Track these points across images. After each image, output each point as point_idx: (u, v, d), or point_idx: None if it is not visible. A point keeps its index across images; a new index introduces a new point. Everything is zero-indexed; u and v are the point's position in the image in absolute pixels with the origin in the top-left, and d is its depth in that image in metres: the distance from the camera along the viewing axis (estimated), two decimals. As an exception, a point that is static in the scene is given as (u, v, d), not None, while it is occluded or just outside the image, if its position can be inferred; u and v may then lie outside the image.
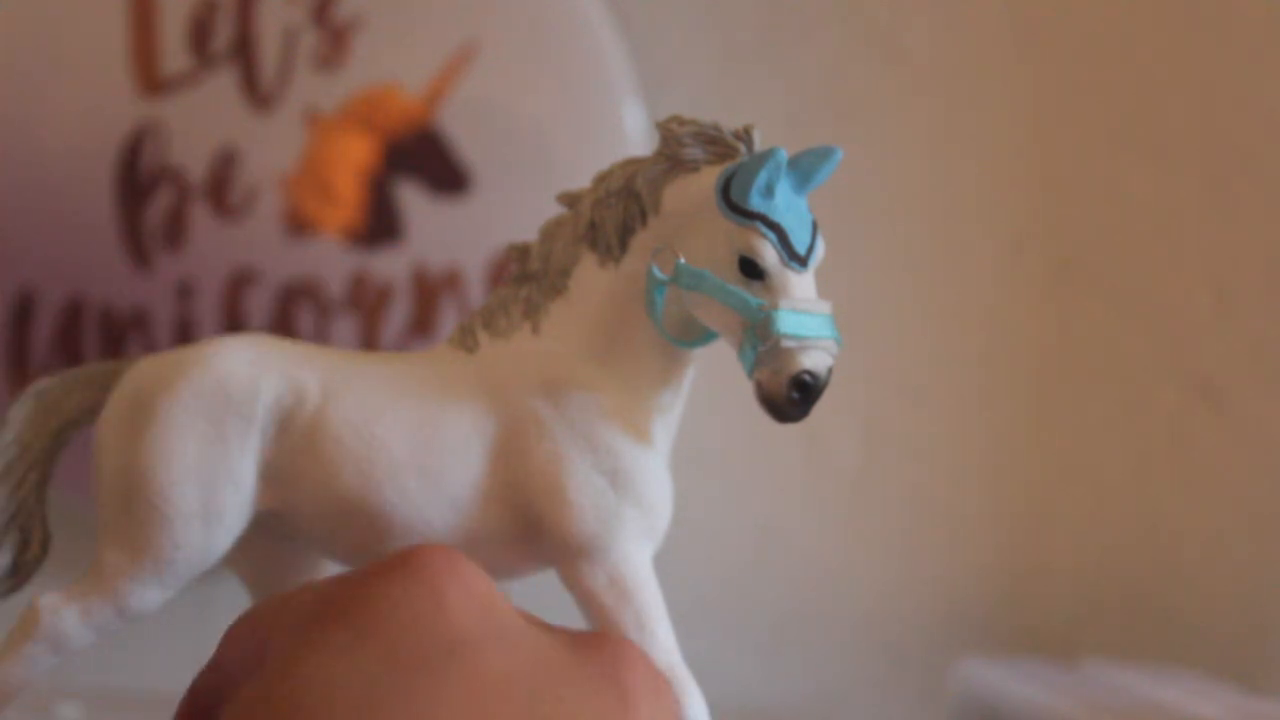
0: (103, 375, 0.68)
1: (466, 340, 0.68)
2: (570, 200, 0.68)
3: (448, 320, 0.98)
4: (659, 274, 0.65)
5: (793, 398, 0.62)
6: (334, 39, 0.99)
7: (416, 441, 0.66)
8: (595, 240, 0.67)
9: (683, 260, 0.64)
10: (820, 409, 0.64)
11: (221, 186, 0.98)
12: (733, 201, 0.63)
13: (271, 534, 0.68)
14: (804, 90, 1.06)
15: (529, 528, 0.66)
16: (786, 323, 0.62)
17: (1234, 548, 1.07)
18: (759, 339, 0.62)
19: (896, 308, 1.07)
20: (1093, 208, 1.08)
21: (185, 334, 0.97)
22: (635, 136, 0.99)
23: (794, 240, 0.63)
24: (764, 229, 0.63)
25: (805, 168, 0.64)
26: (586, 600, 0.66)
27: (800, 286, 0.63)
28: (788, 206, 0.64)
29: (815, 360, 0.62)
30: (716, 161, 0.65)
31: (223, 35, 0.99)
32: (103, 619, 0.65)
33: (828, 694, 1.07)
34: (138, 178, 0.99)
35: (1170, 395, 1.07)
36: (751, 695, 1.06)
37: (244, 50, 0.99)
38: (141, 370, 0.67)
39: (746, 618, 1.07)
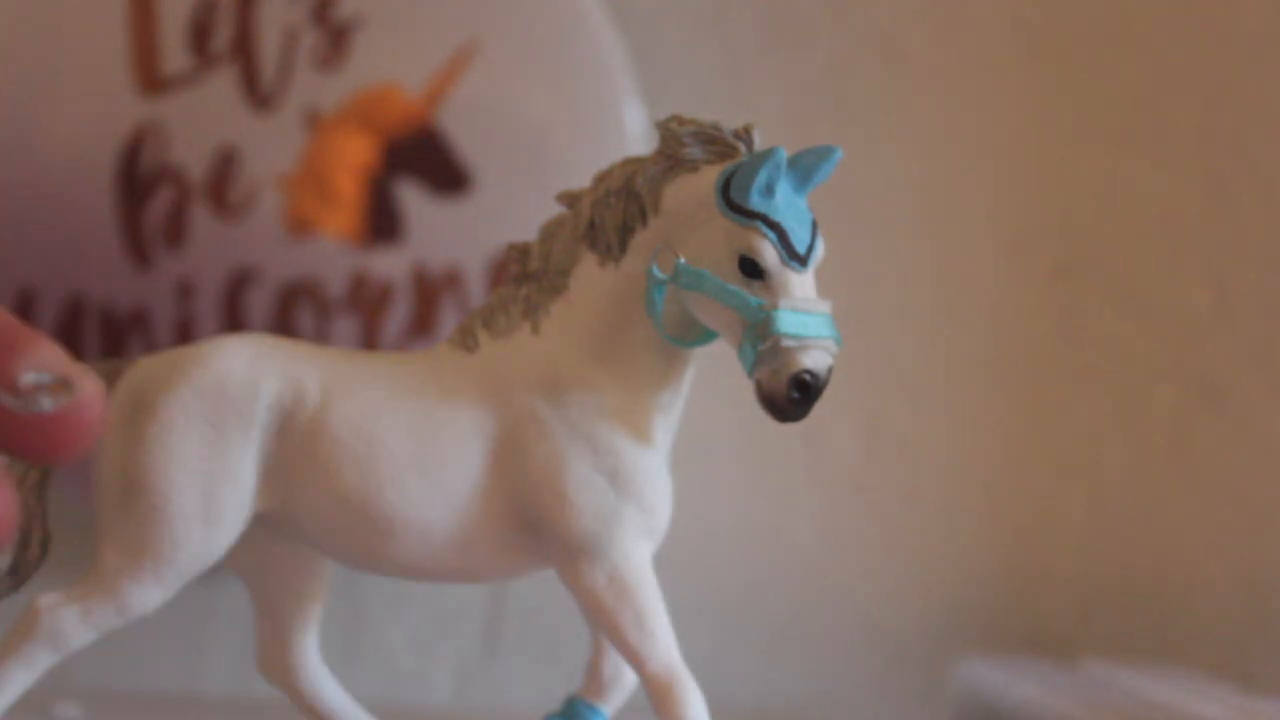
0: (102, 375, 0.68)
1: (466, 340, 0.68)
2: (570, 200, 0.68)
3: (448, 320, 0.98)
4: (659, 273, 0.65)
5: (793, 397, 0.62)
6: (334, 39, 0.99)
7: (416, 441, 0.66)
8: (595, 240, 0.67)
9: (682, 260, 0.64)
10: (820, 409, 0.64)
11: (221, 186, 0.98)
12: (733, 201, 0.63)
13: (272, 534, 0.68)
14: (804, 90, 1.06)
15: (529, 527, 0.66)
16: (786, 322, 0.62)
17: (1234, 548, 1.07)
18: (759, 338, 0.62)
19: (897, 308, 1.07)
20: (1093, 208, 1.08)
21: (185, 334, 0.97)
22: (635, 136, 0.99)
23: (794, 239, 0.63)
24: (764, 228, 0.63)
25: (805, 167, 0.64)
26: (586, 600, 0.66)
27: (800, 286, 0.63)
28: (788, 206, 0.64)
29: (815, 360, 0.62)
30: (716, 161, 0.65)
31: (223, 35, 0.99)
32: (103, 619, 0.65)
33: (828, 694, 1.07)
34: (138, 178, 0.99)
35: (1170, 395, 1.07)
36: (751, 695, 1.06)
37: (244, 50, 0.99)
38: (141, 370, 0.67)
39: (746, 618, 1.07)
